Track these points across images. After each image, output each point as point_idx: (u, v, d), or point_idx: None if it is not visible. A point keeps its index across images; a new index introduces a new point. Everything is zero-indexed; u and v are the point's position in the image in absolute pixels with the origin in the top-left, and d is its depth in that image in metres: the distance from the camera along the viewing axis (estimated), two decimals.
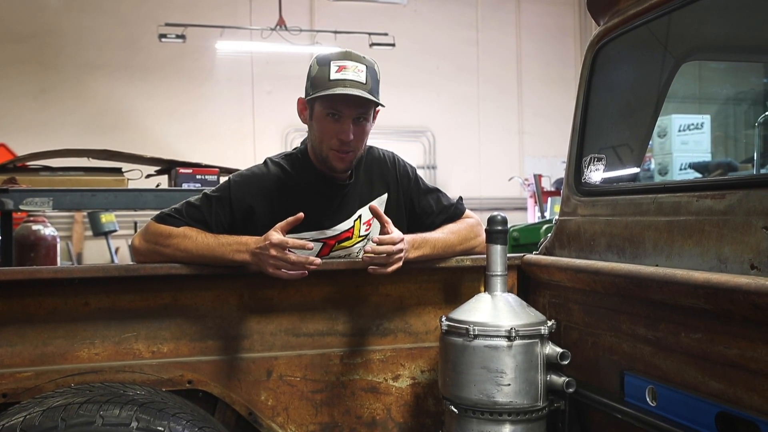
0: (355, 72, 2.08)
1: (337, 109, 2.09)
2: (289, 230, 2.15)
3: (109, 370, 1.99)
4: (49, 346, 1.96)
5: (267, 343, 2.13)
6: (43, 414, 1.66)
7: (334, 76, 2.07)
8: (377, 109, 2.17)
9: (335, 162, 2.15)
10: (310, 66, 2.13)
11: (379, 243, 2.00)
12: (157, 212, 2.14)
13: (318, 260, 1.97)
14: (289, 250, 1.95)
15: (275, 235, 1.95)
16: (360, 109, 2.10)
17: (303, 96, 2.18)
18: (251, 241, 2.00)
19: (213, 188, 2.19)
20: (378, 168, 2.31)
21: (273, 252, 1.94)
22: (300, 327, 2.16)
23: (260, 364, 2.12)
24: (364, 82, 2.08)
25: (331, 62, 2.09)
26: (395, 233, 2.05)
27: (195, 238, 2.03)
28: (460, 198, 2.41)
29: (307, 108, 2.18)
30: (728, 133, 8.42)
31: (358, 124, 2.12)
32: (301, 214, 2.00)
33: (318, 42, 10.43)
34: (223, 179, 2.61)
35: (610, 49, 2.20)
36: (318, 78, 2.09)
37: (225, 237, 2.04)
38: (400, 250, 2.03)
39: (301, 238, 2.17)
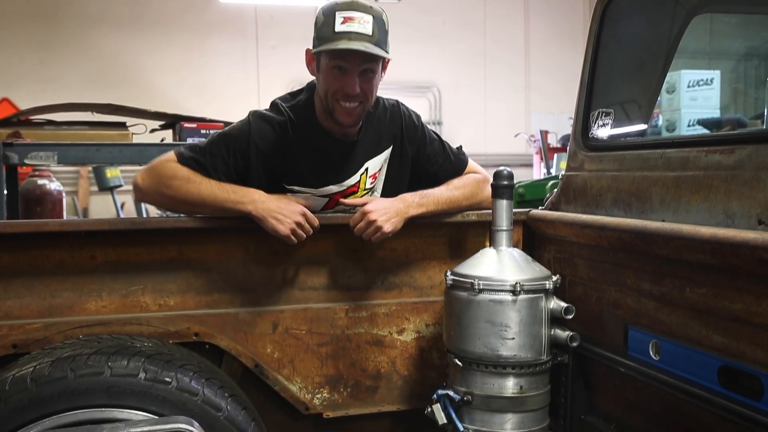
0: (361, 24, 2.03)
1: (342, 62, 2.06)
2: (294, 184, 2.16)
3: (117, 322, 2.01)
4: (57, 299, 1.98)
5: (273, 297, 2.14)
6: (53, 364, 1.68)
7: (339, 28, 2.02)
8: (386, 61, 2.14)
9: (341, 116, 2.12)
10: (317, 17, 2.09)
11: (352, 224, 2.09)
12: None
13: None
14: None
15: (302, 207, 2.03)
16: (367, 62, 2.06)
17: (311, 47, 2.14)
18: (257, 195, 2.01)
19: (234, 124, 2.19)
20: (384, 120, 2.28)
21: (300, 219, 2.00)
22: (305, 281, 2.17)
23: (266, 318, 2.13)
24: (371, 33, 2.03)
25: (336, 13, 2.04)
26: (361, 208, 2.10)
27: (199, 183, 2.03)
28: (460, 147, 2.41)
29: (314, 60, 2.14)
30: (738, 88, 8.31)
31: (365, 77, 2.08)
32: (312, 202, 2.13)
33: None
34: None
35: (620, 1, 2.16)
36: (323, 30, 2.05)
37: (230, 186, 2.04)
38: (371, 222, 2.05)
39: (307, 194, 2.17)
